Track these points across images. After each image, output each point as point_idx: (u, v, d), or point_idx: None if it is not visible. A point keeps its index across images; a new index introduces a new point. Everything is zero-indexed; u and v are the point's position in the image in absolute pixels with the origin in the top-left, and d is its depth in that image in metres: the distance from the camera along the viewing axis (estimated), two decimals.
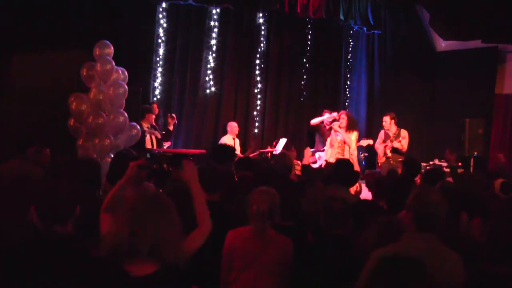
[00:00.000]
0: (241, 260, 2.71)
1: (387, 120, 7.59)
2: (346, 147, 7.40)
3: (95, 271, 1.79)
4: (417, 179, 5.12)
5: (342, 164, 4.53)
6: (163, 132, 7.52)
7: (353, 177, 4.48)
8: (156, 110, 7.66)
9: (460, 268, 2.27)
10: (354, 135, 7.45)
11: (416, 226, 2.31)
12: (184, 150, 7.59)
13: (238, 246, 2.74)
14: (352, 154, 7.29)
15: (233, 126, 8.29)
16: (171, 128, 7.59)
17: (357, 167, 6.47)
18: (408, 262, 1.71)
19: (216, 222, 2.34)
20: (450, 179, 4.63)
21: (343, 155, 7.26)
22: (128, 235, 1.70)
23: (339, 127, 7.45)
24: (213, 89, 8.64)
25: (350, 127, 7.43)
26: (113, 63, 5.84)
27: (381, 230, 2.46)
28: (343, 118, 7.47)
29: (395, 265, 1.70)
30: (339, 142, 7.47)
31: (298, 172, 6.97)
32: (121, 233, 1.73)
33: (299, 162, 8.01)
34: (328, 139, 7.71)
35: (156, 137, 7.26)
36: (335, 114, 7.93)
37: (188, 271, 1.92)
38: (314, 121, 8.32)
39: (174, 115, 7.63)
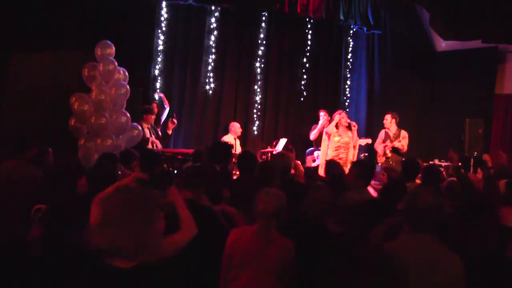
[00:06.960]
0: (241, 258, 2.70)
1: (388, 119, 7.53)
2: (351, 148, 7.18)
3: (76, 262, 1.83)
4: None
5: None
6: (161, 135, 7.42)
7: None
8: (156, 110, 7.62)
9: (460, 269, 2.24)
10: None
11: (409, 227, 2.28)
12: (184, 150, 7.57)
13: (239, 245, 2.73)
14: (355, 155, 7.16)
15: (236, 126, 8.23)
16: (169, 132, 7.51)
17: None
18: None
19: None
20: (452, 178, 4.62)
21: (347, 155, 7.11)
22: (108, 235, 1.70)
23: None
24: (213, 88, 8.63)
25: (349, 127, 7.25)
26: (116, 63, 5.83)
27: (387, 231, 2.45)
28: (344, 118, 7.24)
29: None
30: (343, 142, 7.18)
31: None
32: (103, 233, 1.73)
33: (299, 162, 8.00)
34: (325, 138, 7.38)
35: (155, 142, 7.10)
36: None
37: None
38: (315, 134, 8.42)
39: (175, 121, 7.51)
